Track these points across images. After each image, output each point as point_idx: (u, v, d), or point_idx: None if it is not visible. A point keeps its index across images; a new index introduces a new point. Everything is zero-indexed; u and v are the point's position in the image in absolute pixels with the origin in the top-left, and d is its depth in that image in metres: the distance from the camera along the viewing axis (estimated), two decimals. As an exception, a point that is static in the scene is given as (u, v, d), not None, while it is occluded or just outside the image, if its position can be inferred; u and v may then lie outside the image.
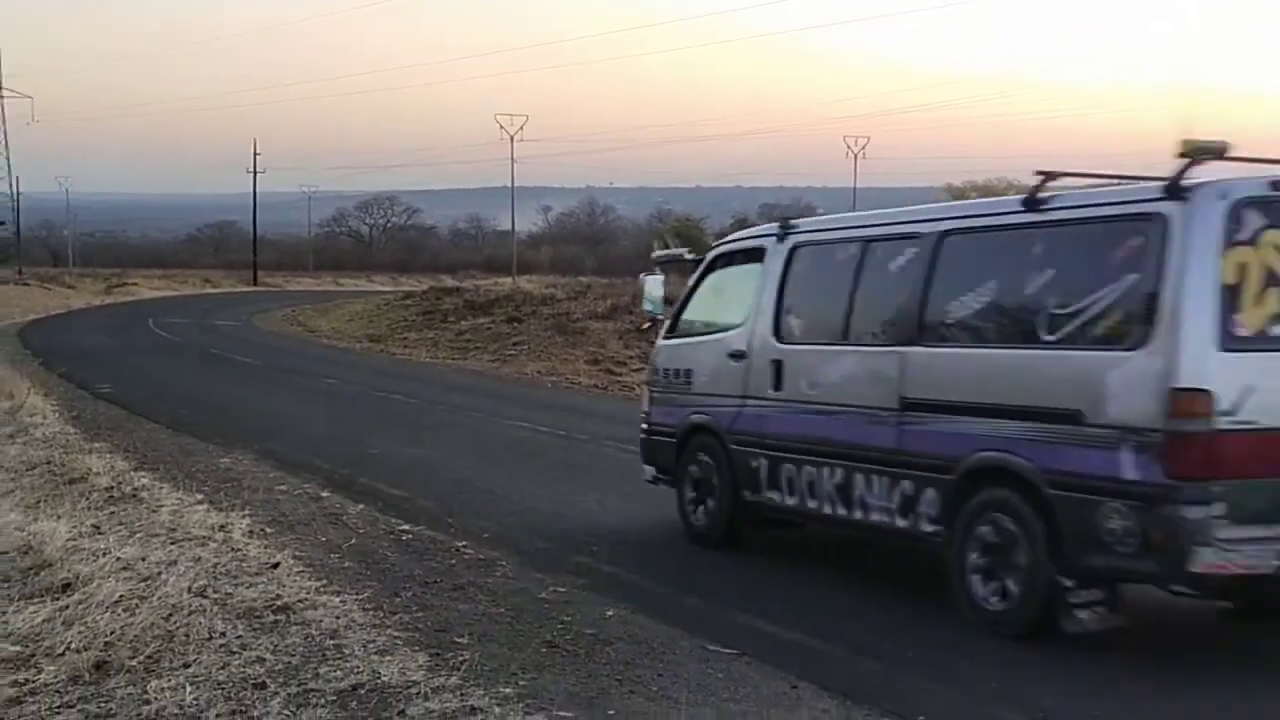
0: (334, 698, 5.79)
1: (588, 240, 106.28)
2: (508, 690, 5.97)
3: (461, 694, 5.85)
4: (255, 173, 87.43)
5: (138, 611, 6.81)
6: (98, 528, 9.17)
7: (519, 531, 9.96)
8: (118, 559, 8.00)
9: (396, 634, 6.85)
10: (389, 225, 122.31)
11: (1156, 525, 6.28)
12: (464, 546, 9.27)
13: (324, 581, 7.92)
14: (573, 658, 6.60)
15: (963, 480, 7.24)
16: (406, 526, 9.97)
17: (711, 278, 10.09)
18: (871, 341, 8.24)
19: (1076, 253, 7.05)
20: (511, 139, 79.24)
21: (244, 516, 9.71)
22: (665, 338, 10.53)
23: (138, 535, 8.90)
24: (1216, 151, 6.51)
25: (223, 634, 6.61)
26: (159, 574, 7.67)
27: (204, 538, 8.88)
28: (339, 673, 6.11)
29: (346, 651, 6.44)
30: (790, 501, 8.66)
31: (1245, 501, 6.23)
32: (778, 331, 8.91)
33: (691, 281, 10.39)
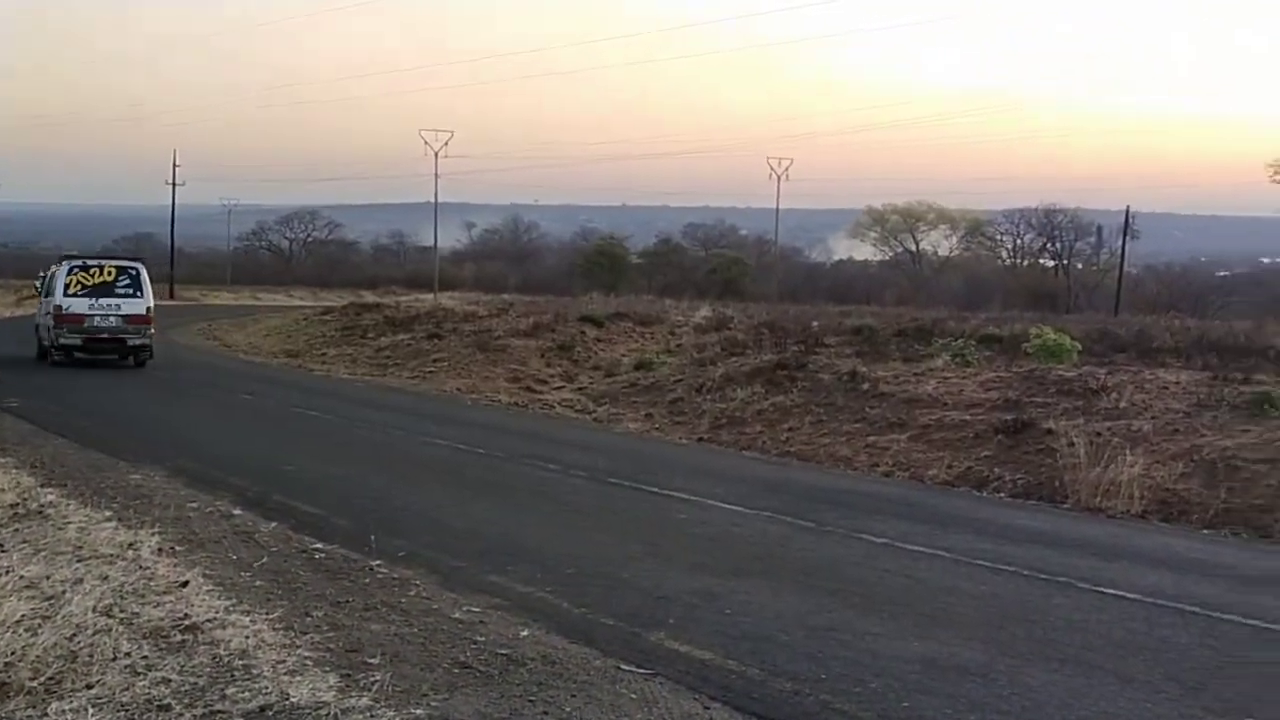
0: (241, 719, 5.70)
1: (511, 257, 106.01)
2: (419, 711, 5.92)
3: (372, 715, 5.79)
4: (174, 185, 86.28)
5: (40, 631, 6.66)
6: (1, 545, 8.96)
7: (434, 550, 9.88)
8: (21, 577, 7.82)
9: (307, 654, 6.76)
10: (310, 240, 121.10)
11: None
12: (378, 565, 9.18)
13: (234, 600, 7.80)
14: (485, 678, 6.56)
15: None
16: (320, 545, 9.85)
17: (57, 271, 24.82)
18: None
19: None
20: (436, 155, 78.79)
21: (153, 534, 9.53)
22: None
23: (43, 553, 8.70)
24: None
25: (128, 654, 6.48)
26: (63, 593, 7.50)
27: (111, 556, 8.70)
28: (247, 694, 6.01)
29: (255, 672, 6.35)
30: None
31: None
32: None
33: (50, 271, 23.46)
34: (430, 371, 28.44)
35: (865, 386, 19.91)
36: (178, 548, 9.36)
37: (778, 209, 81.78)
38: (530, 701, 6.21)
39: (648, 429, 20.22)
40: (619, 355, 28.83)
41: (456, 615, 7.86)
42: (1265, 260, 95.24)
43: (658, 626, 7.80)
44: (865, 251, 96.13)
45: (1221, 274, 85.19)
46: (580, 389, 25.15)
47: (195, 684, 6.12)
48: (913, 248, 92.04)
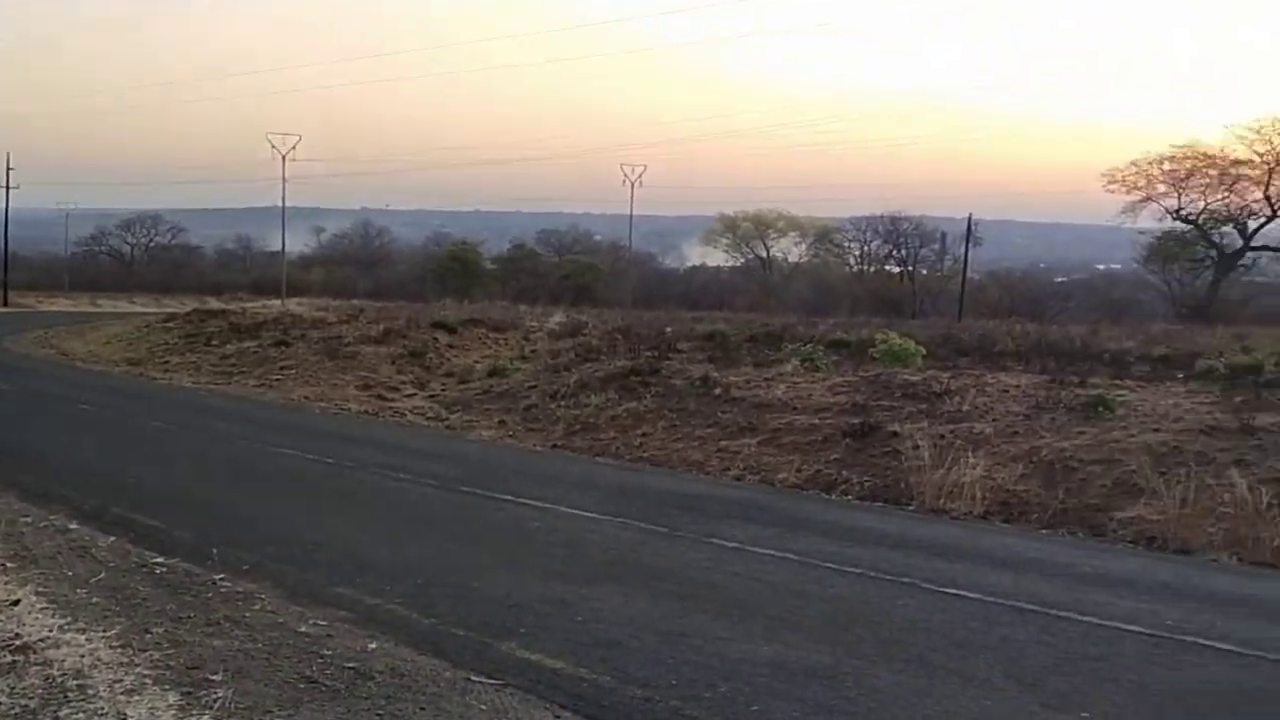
0: (74, 743, 5.51)
1: (362, 263, 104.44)
2: (262, 729, 5.79)
3: (213, 734, 5.64)
4: (8, 189, 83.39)
5: None
6: None
7: (280, 563, 9.68)
8: None
9: (146, 673, 6.56)
10: (152, 245, 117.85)
11: None
12: (221, 579, 8.96)
13: (69, 619, 7.54)
14: (332, 693, 6.44)
15: None
16: (161, 559, 9.57)
17: None
18: None
19: None
20: (283, 158, 77.33)
21: (-18, 551, 9.18)
22: None
23: None
24: None
25: (-47, 678, 6.22)
26: (-117, 615, 7.17)
27: (-64, 575, 8.35)
28: (81, 715, 5.82)
29: (91, 692, 6.14)
30: None
31: None
32: None
33: None
34: (277, 379, 27.90)
35: (717, 391, 20.10)
36: (9, 565, 9.03)
37: (631, 215, 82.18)
38: (378, 716, 6.12)
39: (501, 436, 20.11)
40: (472, 362, 28.64)
41: (303, 629, 7.70)
42: (1100, 267, 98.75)
43: (509, 636, 7.75)
44: (718, 258, 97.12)
45: (1059, 280, 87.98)
46: (433, 396, 24.92)
47: (26, 707, 5.91)
48: (764, 254, 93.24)
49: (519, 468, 16.38)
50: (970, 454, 14.69)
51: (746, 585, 9.50)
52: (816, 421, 17.74)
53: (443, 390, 25.48)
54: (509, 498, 13.26)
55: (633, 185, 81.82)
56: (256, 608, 8.22)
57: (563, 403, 21.35)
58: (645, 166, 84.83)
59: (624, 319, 36.50)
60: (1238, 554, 11.64)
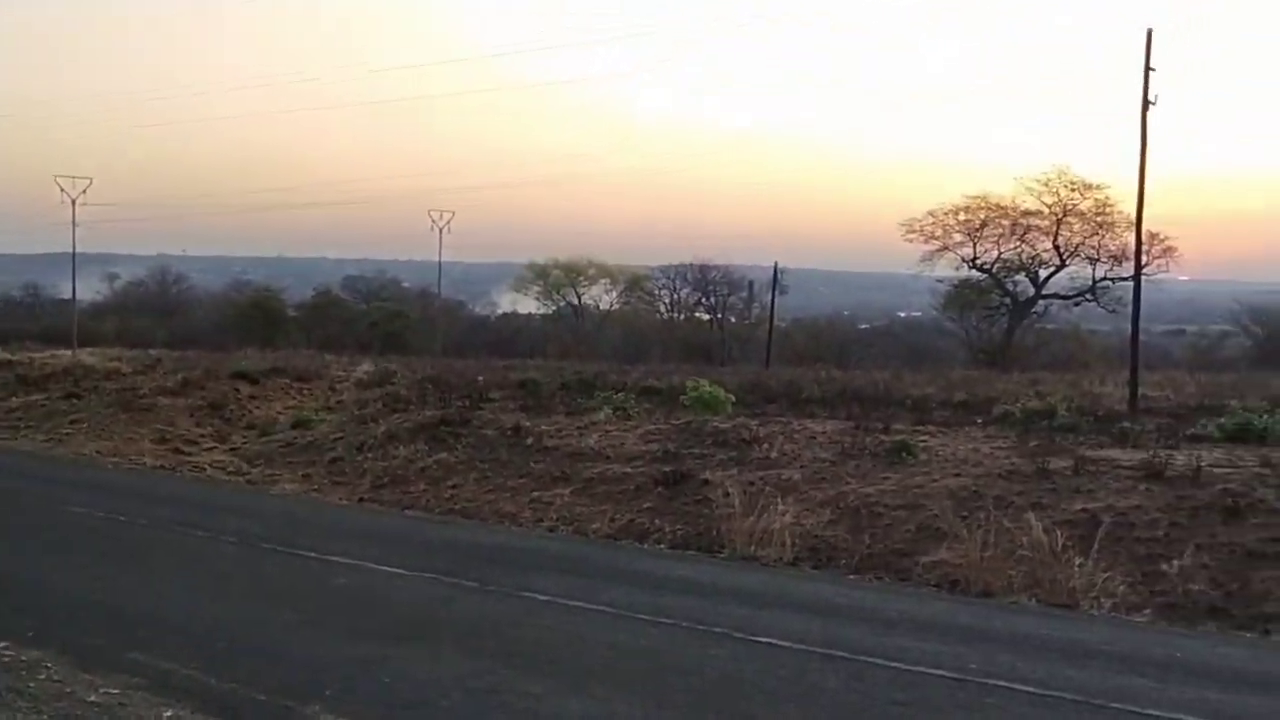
0: None
1: (159, 311, 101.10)
2: (43, 812, 5.42)
3: (-13, 820, 5.25)
4: None
5: None
6: None
7: (69, 628, 9.17)
8: None
9: (-87, 755, 6.10)
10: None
11: None
12: (4, 648, 8.44)
13: None
14: (121, 769, 6.08)
15: None
16: (-65, 628, 8.97)
17: None
18: None
19: None
20: (74, 202, 74.43)
21: None
22: None
23: None
24: None
25: None
26: None
27: None
28: None
29: None
30: None
31: None
32: None
33: None
34: (67, 433, 26.63)
35: (529, 441, 19.96)
36: None
37: (440, 262, 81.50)
38: (171, 792, 5.79)
39: (306, 490, 19.56)
40: (275, 413, 27.83)
41: (92, 698, 7.30)
42: (901, 314, 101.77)
43: (313, 699, 7.46)
44: (529, 305, 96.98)
45: (863, 327, 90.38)
46: (233, 449, 24.12)
47: None
48: (575, 301, 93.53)
49: (324, 523, 15.95)
50: (780, 501, 14.85)
51: (558, 639, 9.36)
52: (629, 470, 17.74)
53: (244, 443, 24.69)
54: (313, 554, 12.87)
55: (441, 232, 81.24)
56: (42, 677, 7.76)
57: (370, 455, 20.90)
58: (454, 213, 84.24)
59: (434, 368, 36.03)
60: (1036, 595, 11.98)
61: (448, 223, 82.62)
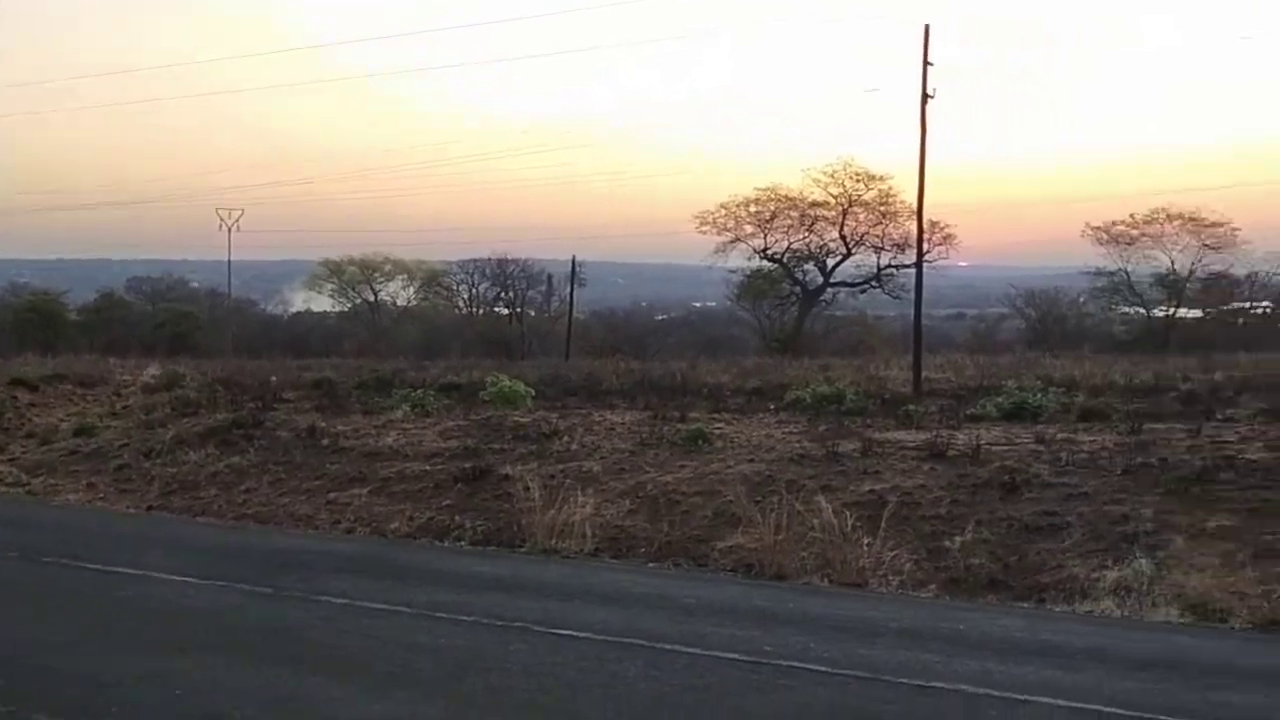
0: None
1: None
2: None
3: None
4: None
5: None
6: None
7: None
8: None
9: None
10: None
11: None
12: None
13: None
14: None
15: None
16: None
17: None
18: None
19: None
20: None
21: None
22: None
23: None
24: None
25: None
26: None
27: None
28: None
29: None
30: None
31: None
32: None
33: None
34: None
35: (325, 442, 19.63)
36: None
37: (229, 260, 79.41)
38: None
39: (91, 499, 18.83)
40: (57, 421, 26.68)
41: None
42: (697, 304, 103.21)
43: (100, 717, 7.22)
44: (324, 303, 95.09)
45: (660, 318, 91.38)
46: (12, 460, 23.04)
47: None
48: (371, 298, 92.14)
49: (110, 533, 15.42)
50: (580, 493, 14.95)
51: (356, 643, 9.26)
52: (428, 468, 17.61)
53: (23, 453, 23.61)
54: (98, 566, 12.42)
55: (230, 230, 79.10)
56: None
57: (158, 461, 20.24)
58: (243, 211, 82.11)
59: (224, 369, 35.07)
60: (828, 576, 12.36)
61: (236, 221, 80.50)
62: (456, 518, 15.59)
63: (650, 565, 13.29)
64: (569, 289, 73.16)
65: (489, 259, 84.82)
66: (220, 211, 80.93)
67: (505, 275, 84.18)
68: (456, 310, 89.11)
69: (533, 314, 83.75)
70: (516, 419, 20.04)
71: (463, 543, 14.79)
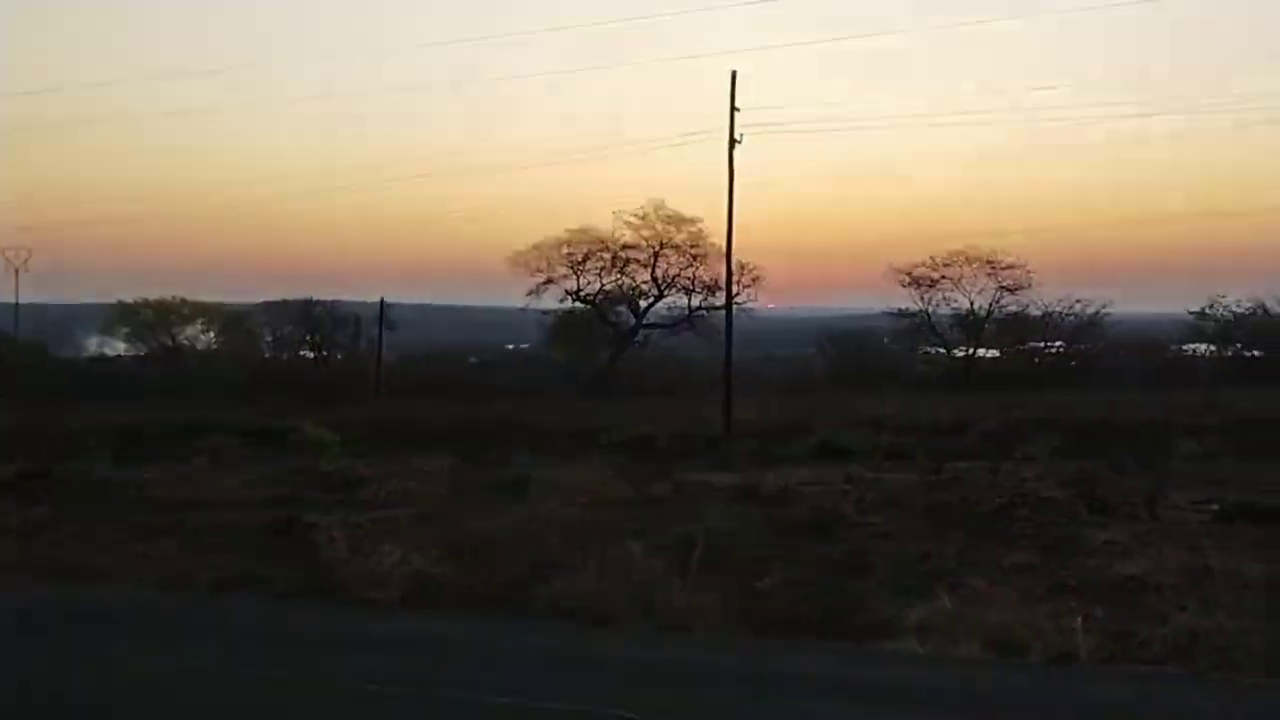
0: None
1: None
2: None
3: None
4: None
5: None
6: None
7: None
8: None
9: None
10: None
11: None
12: None
13: None
14: None
15: None
16: None
17: None
18: None
19: None
20: None
21: None
22: None
23: None
24: None
25: None
26: None
27: None
28: None
29: None
30: None
31: None
32: None
33: None
34: None
35: (130, 492, 18.96)
36: None
37: (17, 303, 76.28)
38: None
39: None
40: None
41: None
42: (511, 346, 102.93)
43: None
44: (120, 347, 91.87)
45: (474, 360, 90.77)
46: None
47: None
48: (169, 342, 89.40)
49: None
50: (391, 540, 14.74)
51: (146, 699, 8.92)
52: (235, 518, 17.15)
53: None
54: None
55: (18, 272, 76.03)
56: None
57: (-56, 515, 19.24)
58: (29, 252, 79.14)
59: (15, 417, 33.59)
60: (649, 619, 12.41)
61: (25, 262, 77.40)
62: (264, 569, 15.18)
63: (465, 614, 13.15)
64: (378, 331, 72.30)
65: (295, 300, 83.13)
66: (8, 252, 77.83)
67: (312, 317, 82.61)
68: (262, 354, 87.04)
69: (341, 357, 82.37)
70: (325, 466, 19.70)
71: (270, 594, 14.40)
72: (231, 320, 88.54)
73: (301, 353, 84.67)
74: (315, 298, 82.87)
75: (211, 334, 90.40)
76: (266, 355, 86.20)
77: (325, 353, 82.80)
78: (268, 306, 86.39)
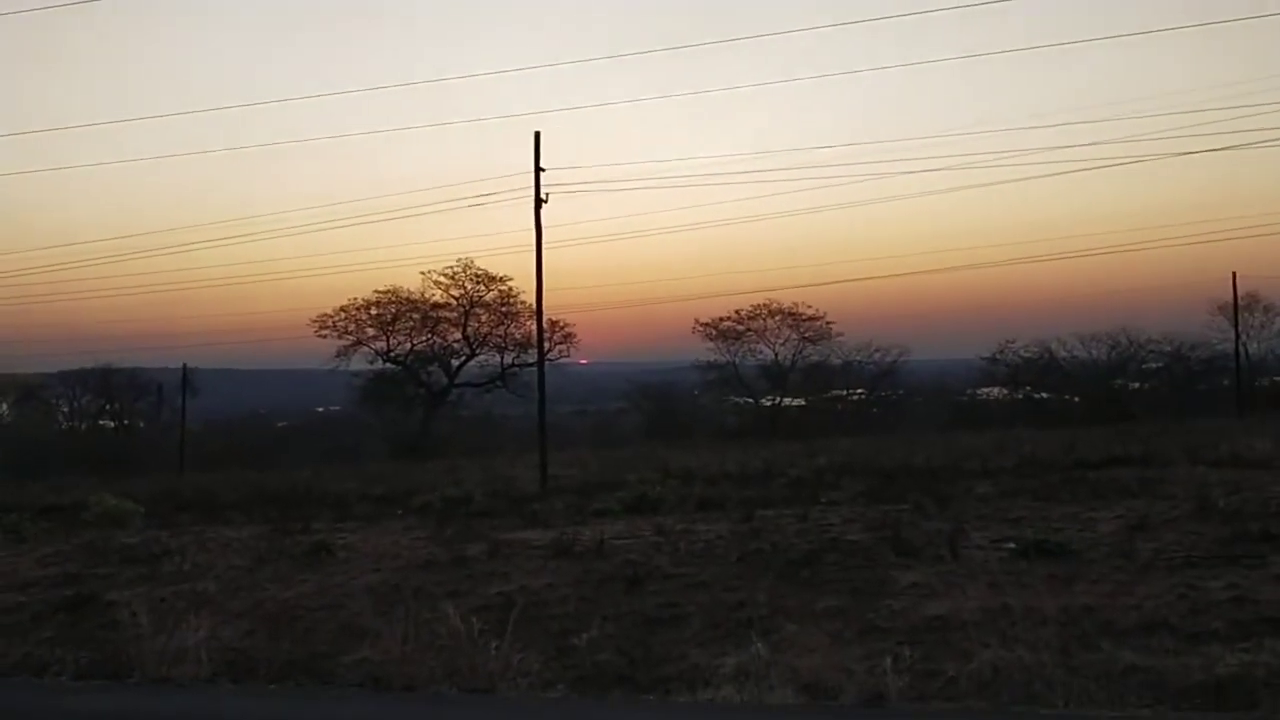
0: None
1: None
2: None
3: None
4: None
5: None
6: None
7: None
8: None
9: None
10: None
11: None
12: None
13: None
14: None
15: None
16: None
17: None
18: None
19: None
20: None
21: None
22: None
23: None
24: None
25: None
26: None
27: None
28: None
29: None
30: None
31: None
32: None
33: None
34: None
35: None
36: None
37: None
38: None
39: None
40: None
41: None
42: (320, 410, 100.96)
43: None
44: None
45: (281, 425, 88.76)
46: None
47: None
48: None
49: None
50: (194, 615, 14.19)
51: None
52: (24, 599, 16.32)
53: None
54: None
55: None
56: None
57: None
58: None
59: None
60: (457, 683, 12.19)
61: None
62: (57, 650, 14.44)
63: (271, 686, 12.72)
64: (181, 398, 70.18)
65: (93, 369, 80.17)
66: None
67: (111, 386, 79.80)
68: (57, 425, 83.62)
69: (143, 426, 79.68)
70: (125, 539, 18.94)
71: (64, 677, 13.69)
72: (24, 392, 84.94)
73: (101, 422, 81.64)
74: (114, 365, 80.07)
75: (4, 406, 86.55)
76: (63, 426, 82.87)
77: (126, 422, 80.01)
78: (64, 376, 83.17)
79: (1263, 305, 74.91)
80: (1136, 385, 77.57)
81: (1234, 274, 70.63)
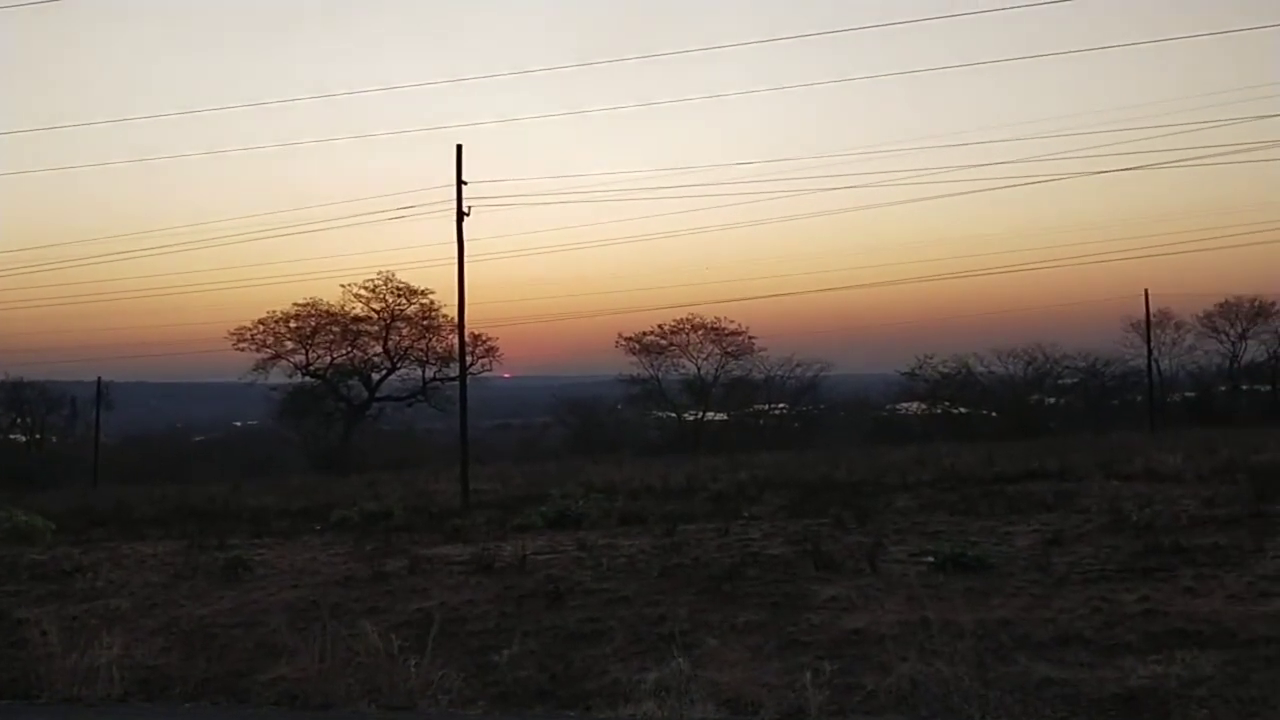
0: None
1: None
2: None
3: None
4: None
5: None
6: None
7: None
8: None
9: None
10: None
11: None
12: None
13: None
14: None
15: None
16: None
17: None
18: None
19: None
20: None
21: None
22: None
23: None
24: None
25: None
26: None
27: None
28: None
29: None
30: None
31: None
32: None
33: None
34: None
35: None
36: None
37: None
38: None
39: None
40: None
41: None
42: (238, 423, 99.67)
43: None
44: None
45: (198, 439, 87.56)
46: None
47: None
48: None
49: None
50: (107, 633, 13.92)
51: None
52: (-73, 618, 15.90)
53: None
54: None
55: None
56: None
57: None
58: None
59: None
60: (376, 701, 12.07)
61: None
62: (-42, 672, 14.12)
63: (186, 705, 12.51)
64: (95, 412, 68.97)
65: (1, 382, 78.45)
66: None
67: (22, 399, 78.14)
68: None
69: (55, 440, 78.12)
70: (34, 556, 18.54)
71: (-35, 699, 13.38)
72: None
73: (12, 436, 79.95)
74: (26, 378, 78.42)
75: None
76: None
77: (38, 436, 78.43)
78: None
79: (1174, 322, 76.63)
80: (1052, 400, 78.90)
81: (1146, 291, 72.17)
